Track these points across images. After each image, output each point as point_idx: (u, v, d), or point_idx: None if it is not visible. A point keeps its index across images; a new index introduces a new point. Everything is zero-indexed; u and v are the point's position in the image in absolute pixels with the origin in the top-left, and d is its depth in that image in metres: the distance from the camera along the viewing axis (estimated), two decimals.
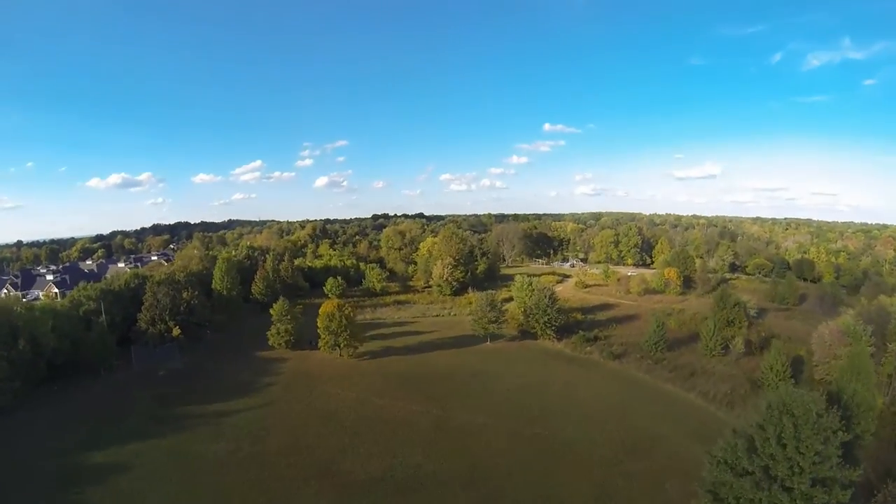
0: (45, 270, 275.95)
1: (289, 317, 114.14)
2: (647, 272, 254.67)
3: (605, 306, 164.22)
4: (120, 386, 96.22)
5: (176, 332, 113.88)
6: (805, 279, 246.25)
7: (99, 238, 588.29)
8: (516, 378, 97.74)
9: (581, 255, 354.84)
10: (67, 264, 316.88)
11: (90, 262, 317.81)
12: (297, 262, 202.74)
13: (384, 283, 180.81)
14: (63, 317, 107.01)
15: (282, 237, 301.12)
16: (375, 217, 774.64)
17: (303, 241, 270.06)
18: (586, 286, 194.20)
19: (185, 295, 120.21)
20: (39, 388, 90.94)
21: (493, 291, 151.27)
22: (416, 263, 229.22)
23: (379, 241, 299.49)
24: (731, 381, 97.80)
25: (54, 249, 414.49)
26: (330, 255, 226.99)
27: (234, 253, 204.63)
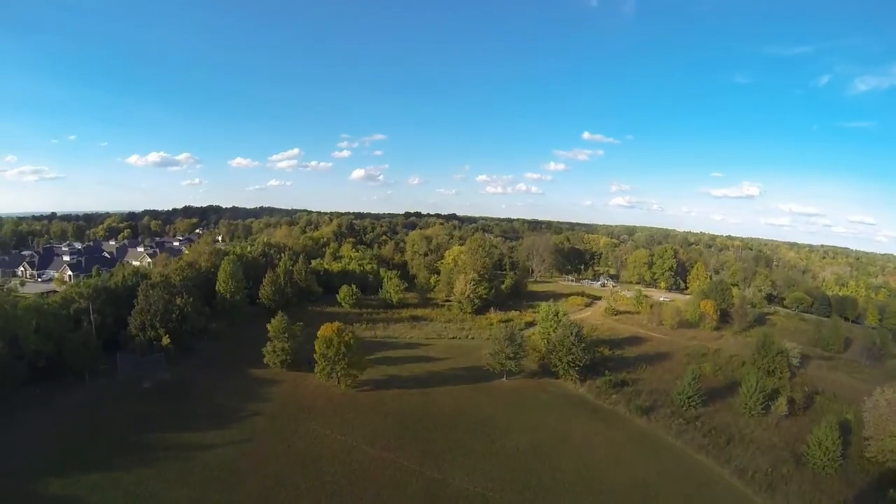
0: (66, 249, 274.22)
1: (286, 335, 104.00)
2: (680, 298, 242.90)
3: (635, 339, 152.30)
4: (101, 396, 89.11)
5: (165, 340, 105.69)
6: (846, 318, 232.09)
7: (130, 216, 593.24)
8: (529, 431, 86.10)
9: (612, 271, 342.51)
10: (90, 244, 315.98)
11: (113, 243, 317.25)
12: (314, 263, 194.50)
13: (402, 295, 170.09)
14: (49, 316, 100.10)
15: (304, 232, 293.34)
16: (408, 215, 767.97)
17: (325, 239, 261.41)
18: (616, 313, 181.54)
19: (178, 301, 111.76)
20: (20, 391, 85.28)
21: (514, 323, 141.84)
22: (439, 273, 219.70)
23: (408, 236, 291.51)
24: (772, 452, 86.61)
25: (81, 227, 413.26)
26: (350, 257, 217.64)
27: (249, 249, 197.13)
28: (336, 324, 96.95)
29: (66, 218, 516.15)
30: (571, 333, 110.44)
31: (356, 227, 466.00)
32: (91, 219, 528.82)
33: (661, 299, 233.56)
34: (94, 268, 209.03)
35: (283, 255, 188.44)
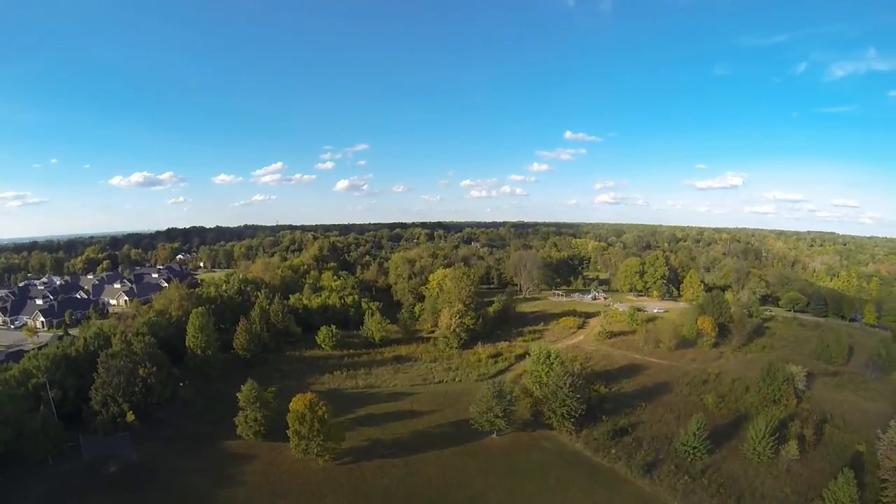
0: (42, 288, 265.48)
1: (258, 404, 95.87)
2: (674, 307, 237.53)
3: (631, 368, 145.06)
4: (66, 485, 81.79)
5: (130, 416, 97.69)
6: (843, 317, 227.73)
7: (112, 243, 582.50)
8: None
9: (602, 275, 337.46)
10: (67, 279, 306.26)
11: (91, 277, 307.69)
12: (292, 298, 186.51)
13: (384, 333, 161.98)
14: (5, 397, 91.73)
15: (285, 259, 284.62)
16: (392, 226, 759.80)
17: (305, 267, 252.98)
18: (611, 335, 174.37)
19: (141, 371, 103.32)
20: None
21: (503, 361, 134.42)
22: (423, 299, 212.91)
23: (390, 259, 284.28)
24: None
25: (60, 259, 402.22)
26: (332, 287, 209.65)
27: (224, 288, 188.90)
28: (308, 395, 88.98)
29: (48, 247, 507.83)
30: (565, 384, 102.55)
31: (339, 247, 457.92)
32: (72, 246, 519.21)
33: (656, 311, 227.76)
34: (67, 312, 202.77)
35: (259, 292, 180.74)
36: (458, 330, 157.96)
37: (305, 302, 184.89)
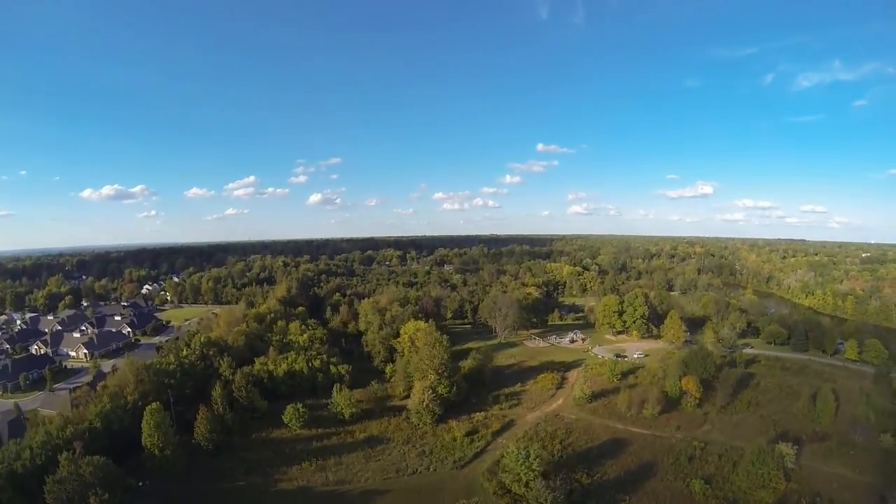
0: None
1: None
2: (655, 349, 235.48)
3: (614, 446, 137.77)
4: None
5: None
6: (824, 351, 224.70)
7: (79, 266, 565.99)
8: None
9: (580, 307, 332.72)
10: (27, 321, 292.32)
11: (52, 318, 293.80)
12: (257, 364, 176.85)
13: (353, 409, 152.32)
14: None
15: (251, 306, 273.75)
16: (364, 247, 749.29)
17: (272, 315, 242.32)
18: (591, 397, 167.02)
19: (92, 500, 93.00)
20: None
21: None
22: (394, 353, 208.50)
23: (360, 305, 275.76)
24: None
25: (20, 294, 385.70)
26: (298, 345, 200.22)
27: (185, 352, 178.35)
28: None
29: (11, 273, 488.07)
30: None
31: (309, 281, 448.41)
32: (37, 271, 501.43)
33: (636, 356, 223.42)
34: (21, 376, 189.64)
35: (221, 360, 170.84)
36: (431, 405, 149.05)
37: (271, 367, 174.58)
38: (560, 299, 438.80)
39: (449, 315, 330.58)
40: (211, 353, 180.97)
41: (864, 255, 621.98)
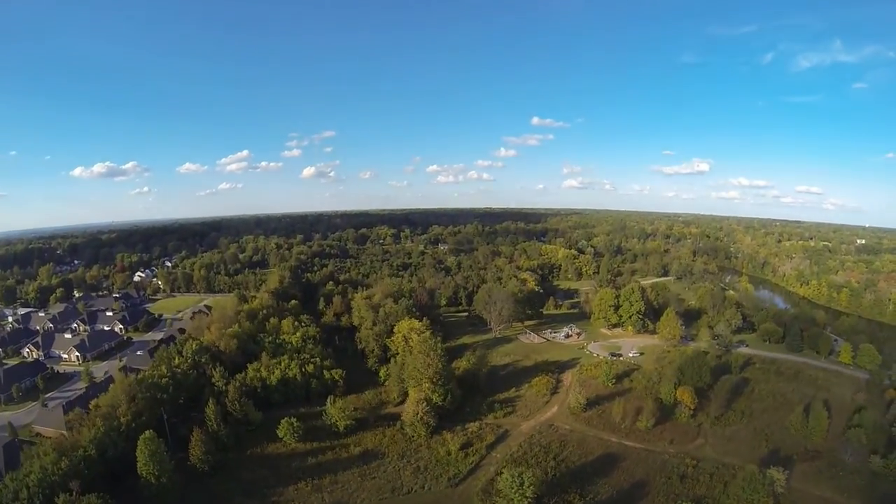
0: None
1: None
2: (650, 345, 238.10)
3: (607, 461, 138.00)
4: None
5: None
6: (818, 351, 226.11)
7: (70, 251, 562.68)
8: None
9: (574, 291, 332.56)
10: (18, 321, 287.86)
11: (43, 315, 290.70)
12: (250, 370, 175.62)
13: (348, 421, 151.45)
14: None
15: (244, 301, 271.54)
16: (358, 225, 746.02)
17: (264, 312, 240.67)
18: (586, 406, 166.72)
19: None
20: None
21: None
22: (387, 352, 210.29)
23: (354, 299, 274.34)
24: None
25: (10, 288, 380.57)
26: (292, 346, 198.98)
27: (177, 361, 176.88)
28: None
29: (2, 259, 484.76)
30: None
31: (302, 264, 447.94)
32: (28, 258, 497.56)
33: (631, 355, 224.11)
34: (14, 387, 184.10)
35: (214, 370, 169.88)
36: (425, 417, 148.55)
37: (264, 375, 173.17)
38: (555, 283, 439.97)
39: (443, 303, 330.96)
40: (203, 360, 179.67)
41: (859, 241, 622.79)
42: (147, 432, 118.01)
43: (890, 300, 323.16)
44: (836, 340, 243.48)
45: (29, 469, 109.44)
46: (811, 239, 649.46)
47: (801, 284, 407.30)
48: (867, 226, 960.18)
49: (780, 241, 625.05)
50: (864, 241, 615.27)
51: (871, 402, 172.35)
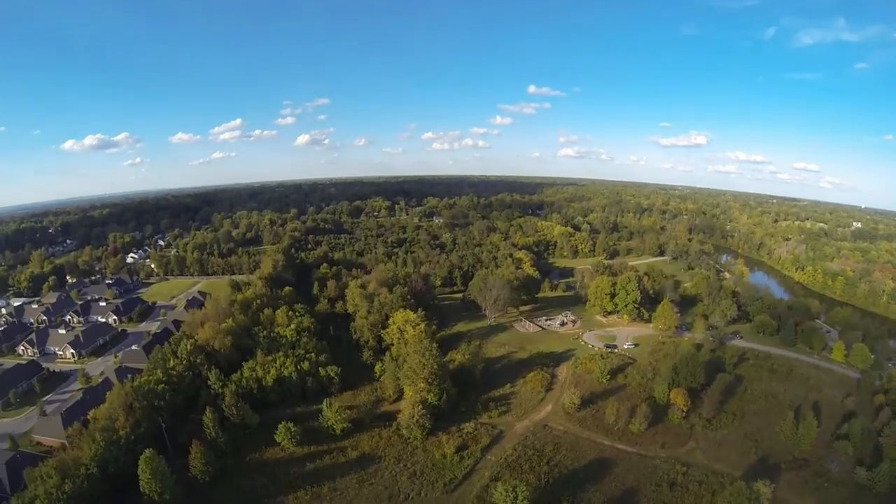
0: None
1: None
2: (645, 336, 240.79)
3: (599, 466, 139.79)
4: None
5: None
6: (811, 347, 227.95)
7: (63, 229, 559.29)
8: None
9: (570, 269, 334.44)
10: (11, 314, 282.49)
11: (36, 307, 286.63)
12: (245, 368, 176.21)
13: (344, 424, 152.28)
14: None
15: (237, 289, 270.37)
16: (352, 199, 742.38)
17: (258, 301, 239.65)
18: (580, 405, 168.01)
19: None
20: None
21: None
22: (381, 343, 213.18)
23: (355, 229, 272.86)
24: None
25: (2, 276, 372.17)
26: (287, 340, 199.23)
27: (172, 362, 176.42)
28: None
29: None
30: None
31: (296, 243, 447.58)
32: (20, 238, 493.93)
33: (626, 346, 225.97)
34: (11, 393, 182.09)
35: (210, 372, 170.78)
36: (421, 420, 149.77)
37: (260, 374, 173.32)
38: (551, 261, 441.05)
39: (438, 283, 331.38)
40: (198, 360, 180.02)
41: (855, 224, 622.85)
42: (147, 451, 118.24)
43: (884, 292, 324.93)
44: (828, 332, 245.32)
45: (34, 494, 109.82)
46: (807, 219, 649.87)
47: (797, 269, 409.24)
48: (863, 206, 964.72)
49: (776, 221, 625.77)
50: (859, 225, 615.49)
51: (860, 406, 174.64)
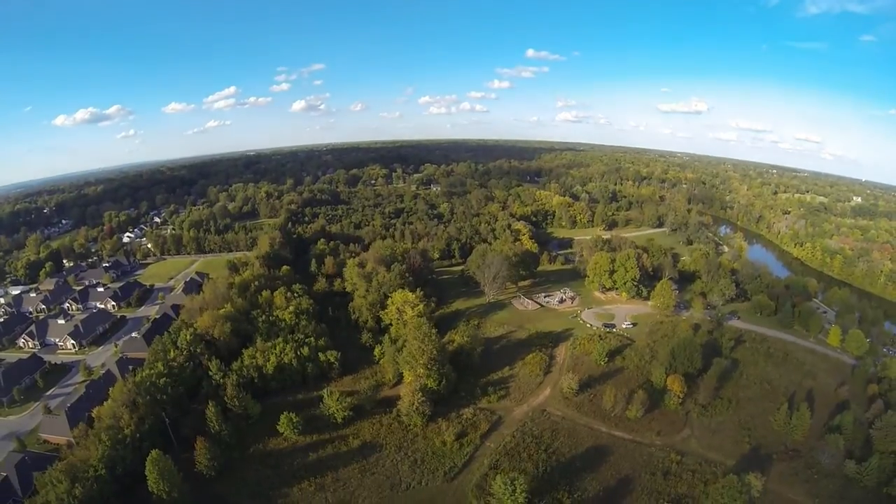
0: None
1: None
2: (644, 315, 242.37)
3: (596, 454, 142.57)
4: None
5: None
6: (808, 329, 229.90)
7: (58, 209, 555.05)
8: None
9: (568, 240, 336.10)
10: (10, 304, 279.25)
11: (35, 296, 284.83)
12: (245, 355, 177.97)
13: (346, 413, 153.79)
14: None
15: (235, 270, 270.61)
16: (348, 167, 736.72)
17: (256, 283, 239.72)
18: (578, 389, 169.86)
19: None
20: None
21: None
22: (380, 323, 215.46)
23: (352, 199, 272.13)
24: None
25: None
26: (286, 324, 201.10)
27: (172, 353, 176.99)
28: None
29: None
30: None
31: (294, 215, 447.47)
32: (14, 222, 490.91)
33: (625, 326, 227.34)
34: (15, 389, 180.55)
35: (210, 362, 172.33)
36: (421, 407, 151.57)
37: (260, 361, 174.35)
38: (549, 231, 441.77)
39: (436, 256, 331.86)
40: (198, 350, 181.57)
41: (855, 199, 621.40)
42: (154, 452, 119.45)
43: (882, 272, 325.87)
44: (825, 312, 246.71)
45: (45, 500, 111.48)
46: (808, 192, 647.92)
47: (796, 245, 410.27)
48: (864, 180, 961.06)
49: (776, 193, 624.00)
50: (859, 200, 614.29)
51: (853, 395, 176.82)
